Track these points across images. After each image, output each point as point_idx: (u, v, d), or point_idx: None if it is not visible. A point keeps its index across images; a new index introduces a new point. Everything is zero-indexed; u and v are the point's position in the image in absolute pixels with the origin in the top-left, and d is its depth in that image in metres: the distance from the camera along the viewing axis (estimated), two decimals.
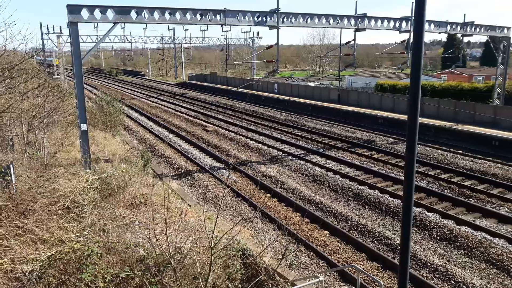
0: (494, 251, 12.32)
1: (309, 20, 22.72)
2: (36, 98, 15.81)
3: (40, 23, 52.31)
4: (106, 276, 7.26)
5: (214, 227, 7.39)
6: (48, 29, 53.31)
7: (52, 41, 54.12)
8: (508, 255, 12.04)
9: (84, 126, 16.76)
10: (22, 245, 7.53)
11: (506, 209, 15.64)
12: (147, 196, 10.34)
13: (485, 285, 10.84)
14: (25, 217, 8.54)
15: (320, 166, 21.30)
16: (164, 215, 7.56)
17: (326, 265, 12.21)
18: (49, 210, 8.83)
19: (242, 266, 8.59)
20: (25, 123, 14.79)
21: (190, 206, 15.08)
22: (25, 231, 8.02)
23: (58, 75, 51.72)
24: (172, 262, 7.23)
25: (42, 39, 52.63)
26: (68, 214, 8.85)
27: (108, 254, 7.77)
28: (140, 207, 9.91)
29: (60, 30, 52.11)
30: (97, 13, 17.12)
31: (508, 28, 32.52)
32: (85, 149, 16.20)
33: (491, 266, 11.83)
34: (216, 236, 7.62)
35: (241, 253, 8.79)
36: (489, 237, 13.12)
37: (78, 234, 8.12)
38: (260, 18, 21.30)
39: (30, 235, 7.89)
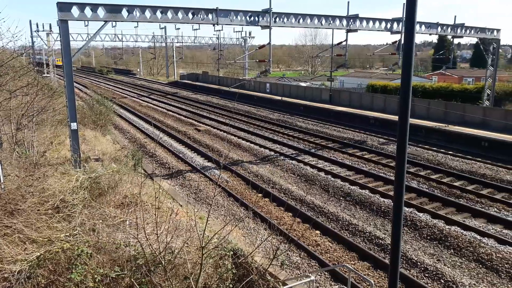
0: (483, 251, 12.44)
1: (301, 20, 22.76)
2: (25, 97, 15.64)
3: (30, 21, 51.86)
4: (96, 276, 7.20)
5: (205, 227, 7.36)
6: (37, 26, 52.75)
7: (41, 39, 53.51)
8: (497, 255, 12.17)
9: (74, 125, 16.61)
10: (10, 245, 7.44)
11: (495, 209, 15.81)
12: (137, 196, 10.27)
13: (474, 284, 10.95)
14: (13, 216, 8.43)
15: (312, 166, 21.35)
16: (155, 215, 7.51)
17: (317, 264, 12.24)
18: (38, 210, 8.73)
19: (233, 266, 8.57)
20: (14, 122, 14.63)
21: (181, 206, 15.02)
22: (14, 230, 7.92)
23: (47, 73, 51.18)
24: (163, 262, 7.19)
25: (32, 37, 52.15)
26: (57, 213, 8.76)
27: (98, 254, 7.70)
28: (131, 206, 9.85)
29: (50, 28, 51.59)
30: (87, 11, 16.97)
31: (498, 30, 32.89)
32: (75, 148, 16.05)
33: (480, 266, 11.95)
34: (207, 236, 7.60)
35: (232, 253, 8.77)
36: (479, 237, 13.24)
37: (68, 234, 8.04)
38: (252, 18, 21.28)
39: (18, 234, 7.79)
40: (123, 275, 7.37)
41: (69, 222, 8.53)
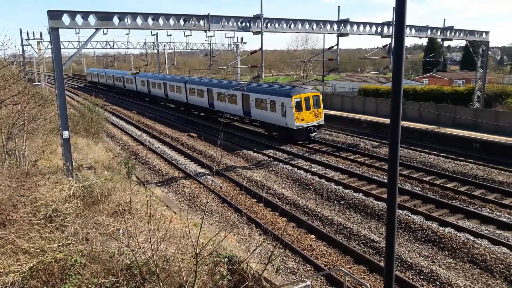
0: (477, 252, 12.51)
1: (292, 25, 22.86)
2: (16, 106, 15.52)
3: (20, 29, 51.45)
4: (90, 286, 7.14)
5: (199, 234, 7.32)
6: (28, 35, 52.35)
7: (32, 47, 53.18)
8: (491, 255, 12.23)
9: (66, 134, 16.49)
10: (2, 256, 7.35)
11: (488, 210, 15.91)
12: (131, 204, 10.21)
13: (469, 285, 10.99)
14: (5, 227, 8.34)
15: (306, 171, 21.38)
16: (148, 223, 7.47)
17: (313, 269, 12.22)
18: (30, 220, 8.64)
19: (228, 272, 8.53)
20: (5, 131, 14.49)
21: (175, 213, 14.95)
22: (6, 241, 7.82)
23: (38, 81, 50.89)
24: (157, 270, 7.13)
25: (22, 45, 51.69)
26: (50, 223, 8.68)
27: (92, 264, 7.63)
28: (124, 215, 9.78)
29: (41, 36, 51.20)
30: (78, 19, 16.91)
31: (487, 32, 33.27)
32: (67, 157, 15.93)
33: (475, 267, 12.01)
34: (202, 243, 7.56)
35: (227, 259, 8.74)
36: (472, 238, 13.33)
37: (61, 243, 7.96)
38: (244, 24, 21.34)
39: (10, 245, 7.70)
40: (118, 284, 7.31)
41: (62, 231, 8.45)
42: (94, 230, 8.59)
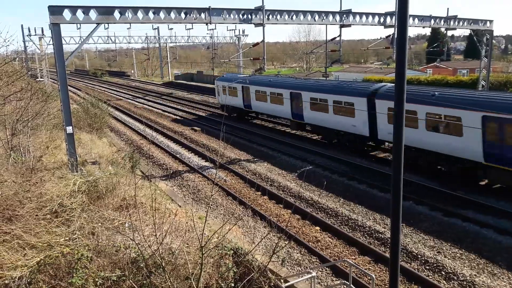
0: (483, 242, 12.50)
1: (294, 17, 22.71)
2: (19, 102, 15.55)
3: (22, 25, 51.43)
4: (97, 279, 7.20)
5: (204, 227, 7.35)
6: (29, 31, 52.31)
7: (34, 43, 53.05)
8: (496, 245, 12.22)
9: (69, 129, 16.53)
10: (10, 251, 7.41)
11: (493, 199, 15.84)
12: (136, 198, 10.26)
13: (475, 275, 10.99)
14: (12, 222, 8.39)
15: (310, 163, 21.36)
16: (153, 216, 7.50)
17: (318, 260, 12.25)
18: (37, 215, 8.70)
19: (234, 264, 8.58)
20: (9, 127, 14.54)
21: (180, 206, 15.01)
22: (13, 236, 7.88)
23: (41, 77, 50.96)
24: (163, 263, 7.18)
25: (24, 41, 51.76)
26: (56, 218, 8.74)
27: (98, 257, 7.69)
28: (129, 209, 9.83)
29: (42, 31, 51.11)
30: (79, 13, 16.86)
31: (491, 21, 32.94)
32: (71, 152, 15.99)
33: (480, 256, 11.99)
34: (207, 236, 7.60)
35: (232, 251, 8.78)
36: (478, 228, 13.31)
37: (67, 238, 8.02)
38: (245, 16, 21.22)
39: (17, 240, 7.76)
40: (124, 278, 7.36)
41: (68, 226, 8.51)
42: (99, 224, 8.64)
